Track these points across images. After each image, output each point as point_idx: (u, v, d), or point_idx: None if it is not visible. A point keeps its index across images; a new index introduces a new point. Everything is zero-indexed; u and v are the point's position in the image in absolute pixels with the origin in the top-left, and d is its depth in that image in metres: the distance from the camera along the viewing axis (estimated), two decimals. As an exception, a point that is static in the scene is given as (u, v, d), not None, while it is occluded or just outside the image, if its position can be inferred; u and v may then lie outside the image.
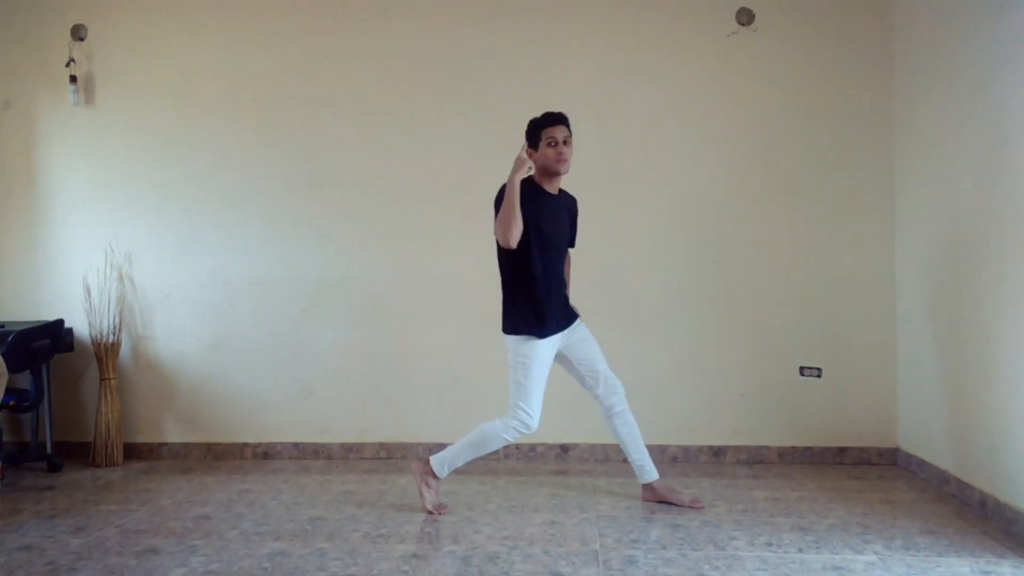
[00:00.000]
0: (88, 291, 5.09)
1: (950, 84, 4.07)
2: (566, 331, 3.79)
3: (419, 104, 4.99)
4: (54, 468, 4.85)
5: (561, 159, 3.64)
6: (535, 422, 3.69)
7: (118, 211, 5.17)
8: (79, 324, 5.13)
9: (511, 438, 3.71)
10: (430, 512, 3.82)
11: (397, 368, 5.03)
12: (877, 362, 4.77)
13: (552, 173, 3.69)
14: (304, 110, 5.07)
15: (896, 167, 4.72)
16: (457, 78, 4.98)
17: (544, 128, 3.66)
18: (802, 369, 4.80)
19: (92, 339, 5.06)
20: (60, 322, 4.97)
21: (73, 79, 5.13)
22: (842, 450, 4.78)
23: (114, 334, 5.07)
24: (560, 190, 3.82)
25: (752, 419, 4.84)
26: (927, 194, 4.36)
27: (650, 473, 3.98)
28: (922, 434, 4.47)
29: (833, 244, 4.79)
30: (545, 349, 3.70)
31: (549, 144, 3.64)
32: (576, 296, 4.88)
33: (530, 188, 3.67)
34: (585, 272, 4.89)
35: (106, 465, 4.97)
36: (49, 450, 4.94)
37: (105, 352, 5.03)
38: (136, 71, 5.17)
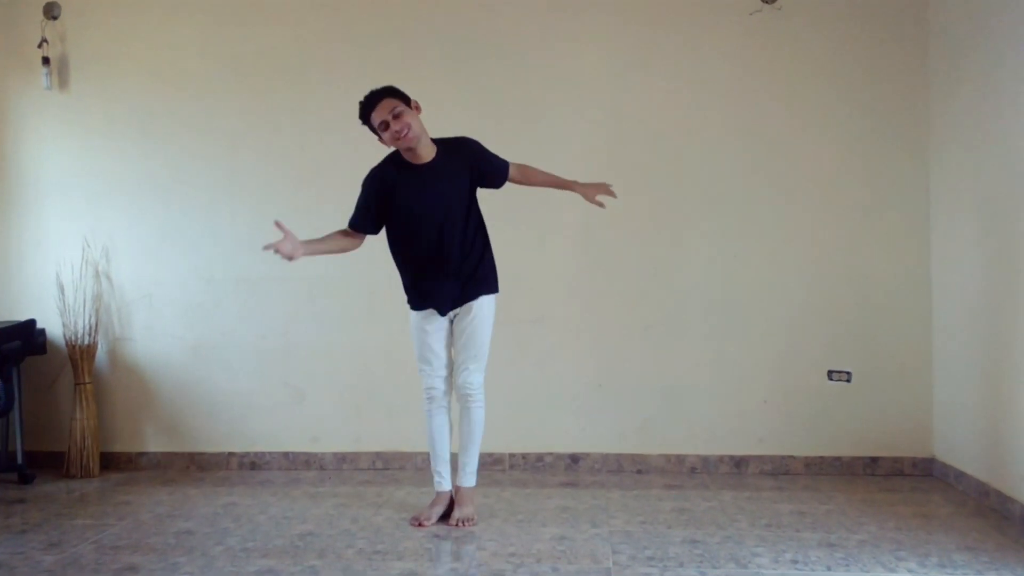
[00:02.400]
0: (62, 289, 5.10)
1: (990, 69, 4.06)
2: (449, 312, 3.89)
3: (418, 90, 4.95)
4: (25, 480, 4.86)
5: (399, 136, 3.64)
6: (427, 383, 3.93)
7: (94, 203, 5.18)
8: (52, 325, 5.15)
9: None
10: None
11: (394, 372, 5.03)
12: (911, 366, 4.77)
13: (407, 150, 3.72)
14: (295, 94, 5.07)
15: (931, 158, 4.71)
16: (458, 63, 4.98)
17: (368, 116, 3.71)
18: (830, 373, 4.80)
19: (66, 341, 5.07)
20: (32, 322, 4.99)
21: (46, 61, 5.13)
22: (873, 460, 4.78)
23: (90, 335, 5.08)
24: (441, 146, 3.82)
25: (777, 427, 4.84)
26: (964, 187, 4.35)
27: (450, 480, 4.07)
28: (959, 443, 4.46)
29: (864, 240, 4.79)
30: (417, 320, 3.91)
31: (382, 129, 3.67)
32: (583, 296, 4.90)
33: (391, 170, 3.78)
34: (595, 271, 4.91)
35: (81, 476, 4.98)
36: (20, 460, 4.95)
37: (80, 355, 5.04)
38: (113, 52, 5.18)
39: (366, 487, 4.64)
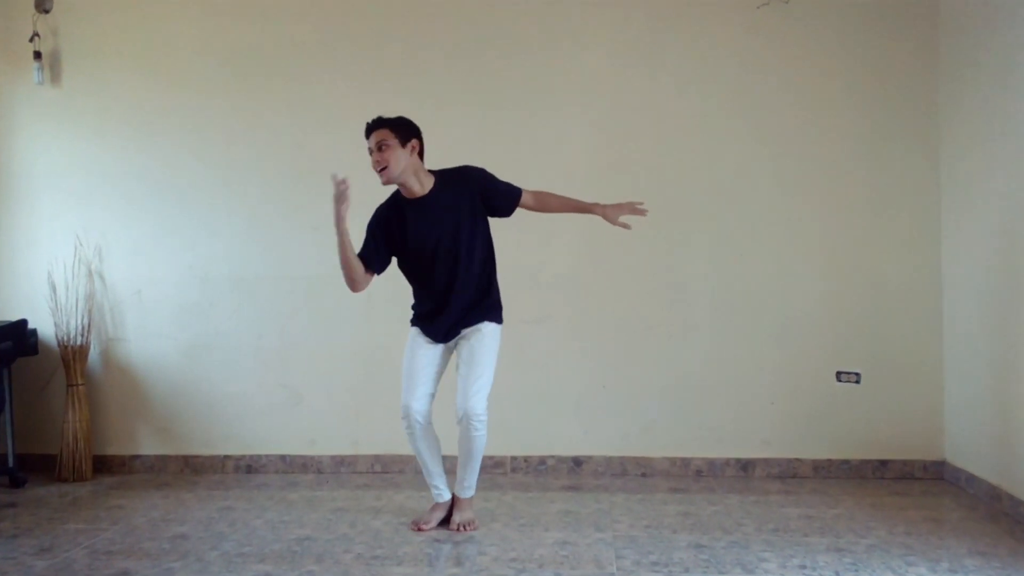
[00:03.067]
0: (54, 288, 5.10)
1: (1001, 65, 4.06)
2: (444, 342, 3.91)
3: (417, 86, 4.99)
4: (17, 483, 4.86)
5: (376, 168, 3.69)
6: (403, 400, 3.87)
7: (87, 201, 5.18)
8: (44, 325, 5.14)
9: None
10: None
11: (393, 373, 4.97)
12: (921, 367, 4.76)
13: (387, 184, 3.77)
14: (292, 90, 5.07)
15: (942, 155, 4.70)
16: (459, 58, 4.97)
17: (367, 139, 3.75)
18: (839, 374, 4.80)
19: (58, 341, 5.06)
20: (23, 323, 4.98)
21: (37, 55, 5.13)
22: (883, 463, 4.77)
23: (82, 336, 5.08)
24: (439, 177, 3.81)
25: (784, 429, 4.84)
26: (977, 184, 4.34)
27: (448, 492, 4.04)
28: (971, 446, 4.45)
29: (873, 238, 4.78)
30: (413, 335, 3.92)
31: (370, 154, 3.73)
32: (586, 296, 4.89)
33: (390, 207, 3.83)
34: (598, 271, 4.90)
35: (74, 480, 4.98)
36: (11, 463, 4.95)
37: (72, 356, 5.03)
38: (106, 47, 5.17)
39: (364, 491, 4.63)
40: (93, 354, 5.18)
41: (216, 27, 5.11)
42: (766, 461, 4.84)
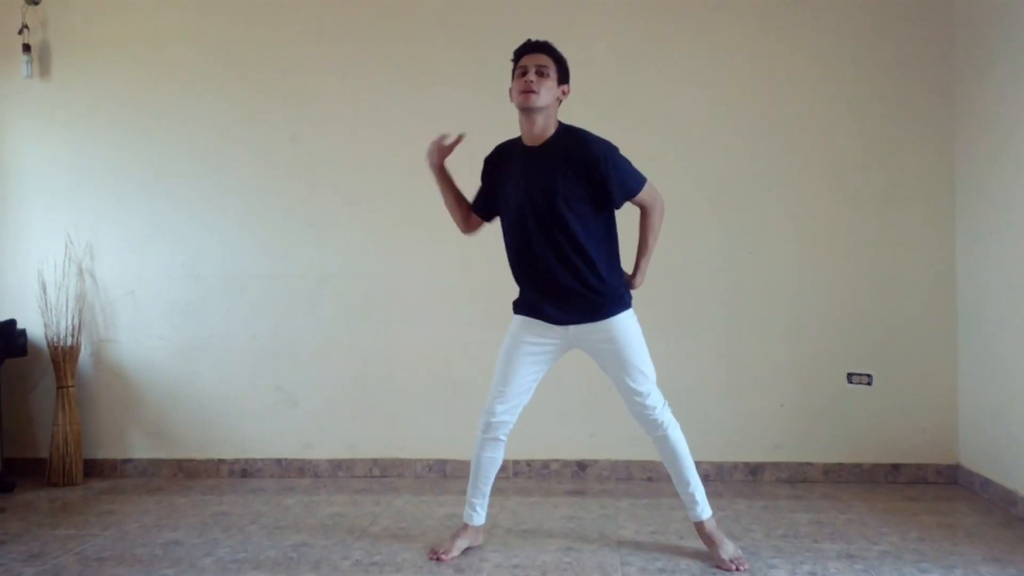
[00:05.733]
0: (43, 288, 5.10)
1: (1016, 58, 4.06)
2: (545, 324, 3.56)
3: (416, 78, 4.99)
4: (5, 488, 4.86)
5: (524, 89, 3.38)
6: (488, 415, 3.63)
7: (77, 197, 5.18)
8: (33, 325, 5.14)
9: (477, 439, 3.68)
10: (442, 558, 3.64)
11: (392, 375, 5.03)
12: (935, 369, 4.76)
13: (521, 110, 3.45)
14: (287, 81, 5.07)
15: (956, 150, 4.70)
16: (458, 48, 4.98)
17: (517, 60, 3.51)
18: (850, 376, 4.80)
19: (48, 342, 5.07)
20: (11, 323, 4.98)
21: (26, 48, 5.13)
22: (895, 467, 4.77)
23: (73, 336, 5.08)
24: (563, 133, 3.49)
25: (794, 432, 4.84)
26: (992, 180, 4.34)
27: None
28: (986, 449, 4.45)
29: (885, 235, 4.78)
30: (515, 327, 3.63)
31: (518, 75, 3.45)
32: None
33: (504, 148, 3.65)
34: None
35: (64, 484, 4.97)
36: None
37: (62, 357, 5.03)
38: (97, 39, 5.17)
39: (362, 495, 4.63)
40: (84, 355, 5.18)
41: (209, 20, 5.11)
42: (775, 465, 4.84)
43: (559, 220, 3.42)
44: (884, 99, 4.77)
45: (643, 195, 3.52)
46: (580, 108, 4.90)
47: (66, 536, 4.01)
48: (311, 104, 5.05)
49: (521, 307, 3.61)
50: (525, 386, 3.64)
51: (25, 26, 5.14)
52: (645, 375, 3.52)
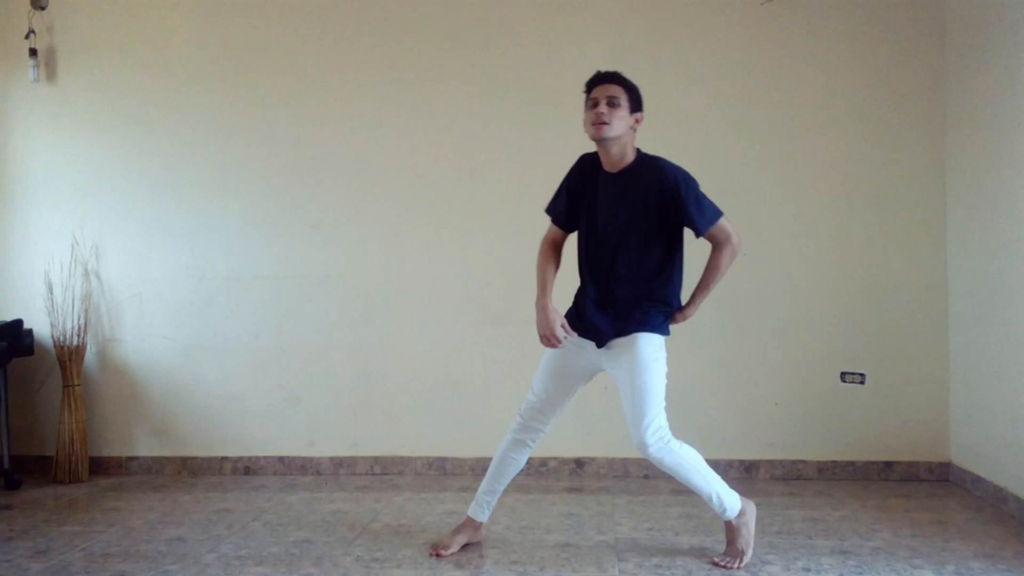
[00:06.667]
0: (50, 288, 5.10)
1: (1008, 63, 4.06)
2: (589, 342, 3.50)
3: (418, 79, 4.99)
4: (12, 485, 4.86)
5: (596, 121, 3.36)
6: (520, 418, 3.62)
7: (83, 199, 5.18)
8: (40, 325, 5.14)
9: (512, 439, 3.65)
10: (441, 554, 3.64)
11: (393, 373, 5.04)
12: (927, 367, 4.77)
13: (595, 141, 3.45)
14: (290, 85, 5.07)
15: (948, 151, 4.70)
16: (460, 50, 4.97)
17: (588, 91, 3.50)
18: (844, 375, 4.80)
19: (54, 342, 5.07)
20: (18, 323, 4.98)
21: (33, 52, 5.13)
22: (888, 465, 4.78)
23: (79, 336, 5.08)
24: (640, 162, 3.47)
25: (788, 431, 4.84)
26: (983, 181, 4.35)
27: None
28: (977, 447, 4.46)
29: (878, 237, 4.78)
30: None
31: (589, 106, 3.44)
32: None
33: (588, 169, 3.56)
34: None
35: (69, 482, 4.98)
36: (6, 465, 4.95)
37: (69, 356, 5.04)
38: (102, 43, 5.17)
39: (364, 492, 4.64)
40: (89, 354, 5.18)
41: (214, 23, 5.11)
42: (770, 463, 4.84)
43: (631, 244, 3.44)
44: (876, 104, 4.77)
45: (716, 230, 3.49)
46: (576, 111, 4.92)
47: (72, 532, 4.02)
48: (314, 107, 5.05)
49: (574, 317, 3.56)
50: (560, 400, 3.61)
51: (32, 31, 5.14)
52: (651, 403, 3.42)
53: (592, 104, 3.42)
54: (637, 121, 3.48)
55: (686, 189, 3.43)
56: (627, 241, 3.45)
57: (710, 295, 3.62)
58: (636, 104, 3.47)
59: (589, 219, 3.53)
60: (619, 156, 3.45)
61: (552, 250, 3.63)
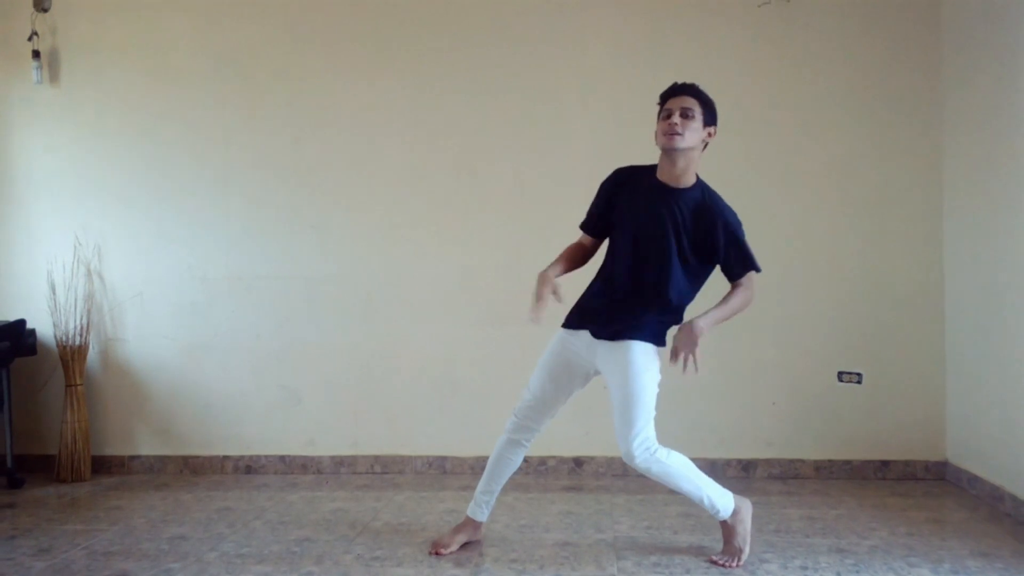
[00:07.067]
0: (53, 288, 5.10)
1: (1005, 64, 4.06)
2: (588, 338, 3.49)
3: (419, 82, 5.00)
4: (15, 484, 4.87)
5: (669, 131, 3.33)
6: (514, 417, 3.62)
7: (86, 200, 5.18)
8: (42, 325, 5.15)
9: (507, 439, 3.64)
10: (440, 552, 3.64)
11: (393, 373, 5.04)
12: (924, 367, 4.77)
13: (664, 151, 3.41)
14: (291, 87, 5.07)
15: (946, 154, 4.71)
16: (460, 53, 4.98)
17: (663, 103, 3.47)
18: (841, 375, 4.80)
19: (57, 341, 5.07)
20: (21, 323, 4.99)
21: (36, 55, 5.13)
22: (885, 464, 4.78)
23: (81, 336, 5.09)
24: (695, 187, 3.45)
25: (786, 430, 4.84)
26: (980, 182, 4.35)
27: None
28: (973, 446, 4.46)
29: (876, 238, 4.79)
30: (558, 339, 3.59)
31: (663, 117, 3.40)
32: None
33: (632, 173, 3.55)
34: (597, 268, 4.89)
35: (72, 480, 4.98)
36: (9, 464, 4.95)
37: (71, 356, 5.04)
38: (105, 46, 5.18)
39: (364, 491, 4.64)
40: (92, 354, 5.18)
41: (216, 26, 5.11)
42: (767, 462, 4.84)
43: (661, 259, 3.41)
44: (874, 105, 4.77)
45: (746, 280, 3.52)
46: (575, 112, 4.94)
47: (74, 531, 4.02)
48: (314, 108, 5.05)
49: (575, 315, 3.56)
50: (555, 400, 3.61)
51: (35, 33, 5.14)
52: (639, 414, 3.40)
53: (666, 115, 3.39)
54: (710, 135, 3.44)
55: (740, 237, 3.47)
56: (659, 255, 3.41)
57: (698, 294, 3.58)
58: (711, 118, 3.43)
59: (627, 222, 3.48)
60: (683, 169, 3.41)
61: (578, 248, 3.64)
